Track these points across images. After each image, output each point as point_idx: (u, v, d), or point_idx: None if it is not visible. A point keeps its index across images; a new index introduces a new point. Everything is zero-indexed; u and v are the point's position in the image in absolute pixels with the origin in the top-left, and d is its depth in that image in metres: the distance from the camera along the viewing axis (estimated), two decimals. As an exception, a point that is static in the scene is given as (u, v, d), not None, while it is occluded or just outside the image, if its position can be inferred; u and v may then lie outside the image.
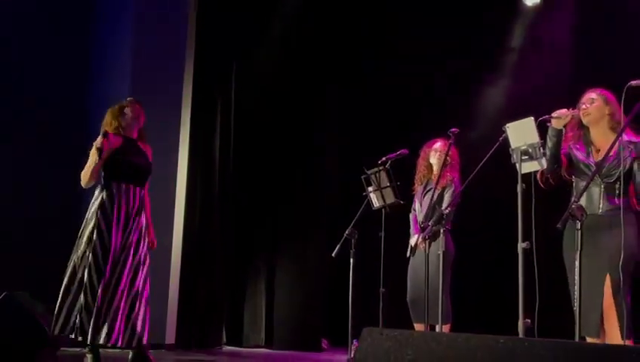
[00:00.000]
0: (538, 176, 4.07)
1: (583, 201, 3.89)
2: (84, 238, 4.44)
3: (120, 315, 4.39)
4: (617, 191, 3.86)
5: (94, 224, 4.43)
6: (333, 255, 5.20)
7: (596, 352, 1.96)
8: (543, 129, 3.98)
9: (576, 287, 2.92)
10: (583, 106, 4.06)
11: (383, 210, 5.10)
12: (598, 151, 3.99)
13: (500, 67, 6.77)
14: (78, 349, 5.61)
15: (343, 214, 5.67)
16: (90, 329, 4.30)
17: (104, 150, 4.41)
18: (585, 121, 4.06)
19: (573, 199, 2.92)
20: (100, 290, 4.34)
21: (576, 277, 2.94)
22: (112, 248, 4.41)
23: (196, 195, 6.96)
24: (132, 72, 6.73)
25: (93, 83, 7.18)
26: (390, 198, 5.04)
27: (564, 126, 4.03)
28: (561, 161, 4.08)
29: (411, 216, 5.39)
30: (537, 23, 6.76)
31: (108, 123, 4.63)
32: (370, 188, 5.10)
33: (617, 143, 3.80)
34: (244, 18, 7.25)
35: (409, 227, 5.37)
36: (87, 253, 4.39)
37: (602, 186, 3.89)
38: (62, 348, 5.61)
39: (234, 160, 7.34)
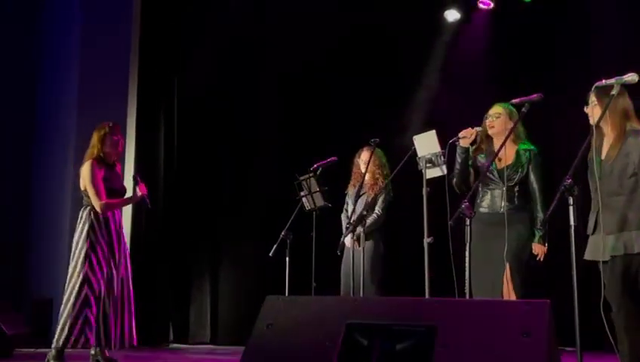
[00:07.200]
0: (454, 183, 4.52)
1: (487, 202, 4.46)
2: (81, 258, 4.78)
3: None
4: (516, 193, 4.41)
5: (88, 245, 4.79)
6: (270, 254, 5.47)
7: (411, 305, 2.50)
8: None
9: (467, 273, 3.43)
10: (490, 119, 4.51)
11: (314, 212, 5.53)
12: (500, 160, 4.41)
13: (423, 81, 7.21)
14: (32, 349, 5.96)
15: (278, 216, 5.99)
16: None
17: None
18: (490, 132, 4.52)
19: (464, 200, 3.43)
20: (101, 301, 4.74)
21: (467, 265, 3.45)
22: (104, 265, 4.80)
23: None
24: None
25: (43, 84, 7.55)
26: (320, 202, 5.46)
27: (472, 141, 4.47)
28: (470, 173, 4.55)
29: (343, 216, 5.76)
30: (458, 38, 7.24)
31: (93, 146, 4.98)
32: (302, 193, 5.50)
33: (514, 151, 4.40)
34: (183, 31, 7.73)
35: (338, 227, 5.76)
36: (85, 270, 4.74)
37: (504, 189, 4.38)
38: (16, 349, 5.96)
39: (177, 166, 7.74)
